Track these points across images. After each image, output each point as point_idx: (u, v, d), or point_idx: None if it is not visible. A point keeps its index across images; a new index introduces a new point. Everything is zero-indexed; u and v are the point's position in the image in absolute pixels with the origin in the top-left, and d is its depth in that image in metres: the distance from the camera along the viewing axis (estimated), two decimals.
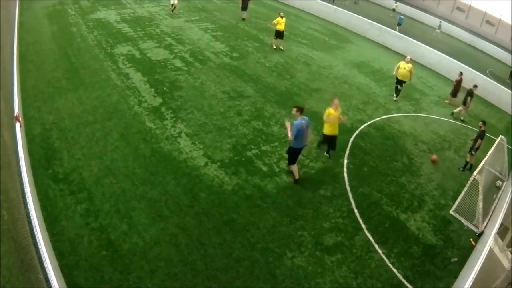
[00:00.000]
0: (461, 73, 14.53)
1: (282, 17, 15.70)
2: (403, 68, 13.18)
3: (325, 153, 9.41)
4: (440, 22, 30.79)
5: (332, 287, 6.07)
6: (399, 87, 13.59)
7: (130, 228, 6.37)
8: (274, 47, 16.32)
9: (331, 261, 6.53)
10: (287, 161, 8.90)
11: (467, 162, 10.17)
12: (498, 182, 9.50)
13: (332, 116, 8.73)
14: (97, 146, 8.26)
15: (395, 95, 13.71)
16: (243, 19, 18.71)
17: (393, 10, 34.67)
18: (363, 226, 7.44)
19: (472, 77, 17.07)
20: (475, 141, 9.86)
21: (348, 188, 8.45)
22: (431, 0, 37.88)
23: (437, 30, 30.01)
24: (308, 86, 13.31)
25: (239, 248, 6.41)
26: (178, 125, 9.58)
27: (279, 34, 15.96)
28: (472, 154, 9.93)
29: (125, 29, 15.58)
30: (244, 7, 19.16)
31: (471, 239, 7.66)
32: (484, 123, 9.86)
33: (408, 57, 13.67)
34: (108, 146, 8.30)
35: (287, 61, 15.28)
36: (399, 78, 13.39)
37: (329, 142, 9.25)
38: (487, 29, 34.30)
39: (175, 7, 18.62)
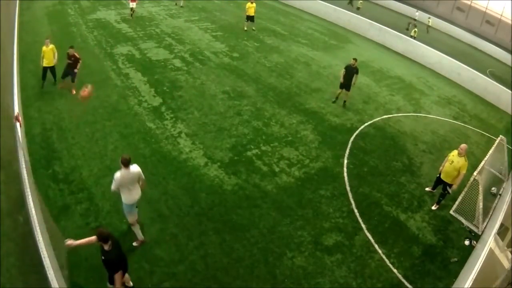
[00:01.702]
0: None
1: (252, 3, 17.41)
2: (450, 162, 7.94)
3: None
4: (417, 11, 29.24)
5: (332, 287, 6.07)
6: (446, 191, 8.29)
7: (130, 228, 6.36)
8: (245, 28, 17.99)
9: (331, 261, 6.53)
10: (287, 161, 8.92)
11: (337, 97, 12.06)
12: (493, 189, 9.45)
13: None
14: (97, 146, 8.26)
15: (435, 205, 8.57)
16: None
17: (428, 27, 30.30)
18: (363, 226, 7.44)
19: (472, 77, 17.10)
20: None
21: (348, 188, 8.45)
22: (431, 0, 37.87)
23: (415, 19, 27.92)
24: (308, 86, 13.31)
25: (239, 248, 6.41)
26: (178, 125, 9.58)
27: (250, 18, 17.80)
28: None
29: (125, 29, 15.58)
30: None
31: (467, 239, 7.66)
32: (356, 60, 11.51)
33: (463, 146, 7.91)
34: (108, 146, 8.30)
35: (287, 61, 15.28)
36: (442, 177, 8.17)
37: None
38: (487, 29, 34.28)
39: (133, 11, 17.07)
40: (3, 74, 7.62)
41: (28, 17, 15.33)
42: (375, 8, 33.91)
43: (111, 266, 4.62)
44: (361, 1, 30.44)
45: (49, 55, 9.91)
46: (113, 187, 5.58)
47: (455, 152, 7.93)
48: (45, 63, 9.95)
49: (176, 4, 19.90)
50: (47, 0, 17.82)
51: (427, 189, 8.96)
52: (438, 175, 8.29)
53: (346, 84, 11.82)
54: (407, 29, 25.00)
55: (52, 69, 10.21)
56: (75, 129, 8.72)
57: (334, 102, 12.30)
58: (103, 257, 4.64)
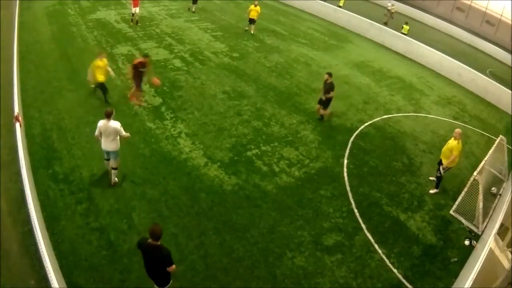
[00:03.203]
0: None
1: (255, 6, 17.04)
2: (446, 143, 8.72)
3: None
4: (390, 1, 28.09)
5: (332, 287, 6.07)
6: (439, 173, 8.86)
7: (130, 228, 6.37)
8: (246, 28, 17.84)
9: (331, 261, 6.53)
10: (287, 161, 8.92)
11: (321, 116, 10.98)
12: (494, 189, 9.45)
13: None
14: (97, 146, 8.22)
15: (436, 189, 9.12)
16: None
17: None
18: (363, 226, 7.44)
19: (472, 77, 17.09)
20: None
21: (348, 188, 8.45)
22: (431, 0, 37.86)
23: (389, 10, 27.07)
24: (308, 86, 13.31)
25: (239, 248, 6.41)
26: (178, 125, 9.58)
27: (251, 21, 17.50)
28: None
29: (125, 29, 15.57)
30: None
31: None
32: (330, 75, 10.52)
33: (457, 130, 8.53)
34: None
35: (287, 61, 15.28)
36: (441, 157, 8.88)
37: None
38: (487, 29, 34.26)
39: (135, 16, 16.28)
40: (3, 74, 7.64)
41: (28, 17, 15.32)
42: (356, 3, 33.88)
43: (167, 261, 4.51)
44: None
45: (104, 70, 9.58)
46: (96, 132, 6.73)
47: (452, 139, 8.60)
48: (101, 78, 9.55)
49: (189, 9, 19.55)
50: (47, 0, 17.81)
51: (431, 178, 9.32)
52: (440, 160, 8.85)
53: (320, 99, 10.72)
54: (385, 23, 24.75)
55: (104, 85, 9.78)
56: (75, 129, 8.72)
57: (319, 119, 11.09)
58: (153, 257, 4.52)
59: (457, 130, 8.46)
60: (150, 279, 4.81)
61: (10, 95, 7.52)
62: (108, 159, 7.10)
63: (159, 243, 4.46)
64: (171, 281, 4.85)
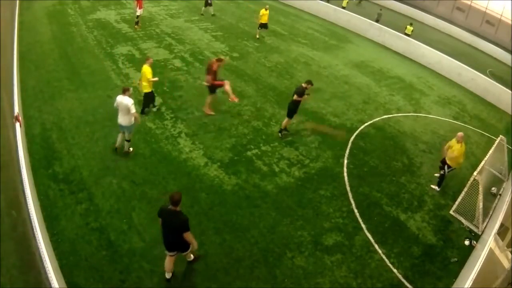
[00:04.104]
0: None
1: (266, 10, 16.86)
2: (450, 147, 8.75)
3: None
4: None
5: (332, 287, 6.07)
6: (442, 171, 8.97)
7: (130, 228, 6.37)
8: (257, 36, 17.36)
9: (331, 261, 6.53)
10: (287, 161, 8.92)
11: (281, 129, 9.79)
12: (494, 189, 9.45)
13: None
14: (97, 146, 8.26)
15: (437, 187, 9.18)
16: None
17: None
18: (363, 226, 7.44)
19: (472, 77, 17.10)
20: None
21: (348, 188, 8.45)
22: (431, 0, 37.85)
23: (381, 9, 27.38)
24: None
25: (239, 248, 6.41)
26: (178, 125, 9.58)
27: (263, 25, 17.21)
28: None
29: (125, 29, 15.57)
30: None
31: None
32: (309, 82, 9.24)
33: (459, 134, 8.69)
34: (108, 146, 8.29)
35: (287, 61, 15.28)
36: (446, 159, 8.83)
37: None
38: (487, 29, 34.26)
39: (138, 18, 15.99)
40: (3, 74, 7.63)
41: (28, 17, 15.33)
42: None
43: (184, 226, 4.95)
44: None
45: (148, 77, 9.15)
46: (114, 104, 7.55)
47: (454, 139, 8.75)
48: (146, 88, 9.21)
49: (203, 14, 19.38)
50: (47, 0, 17.81)
51: (436, 174, 9.41)
52: (442, 159, 9.03)
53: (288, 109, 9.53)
54: (377, 21, 24.87)
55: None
56: (75, 129, 8.72)
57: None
58: (172, 222, 4.96)
59: (460, 133, 8.65)
60: (167, 248, 5.28)
61: (10, 95, 7.51)
62: (123, 132, 7.90)
63: (178, 208, 4.92)
64: (190, 249, 5.36)
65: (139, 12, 15.64)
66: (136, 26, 15.88)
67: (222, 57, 10.07)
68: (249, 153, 8.99)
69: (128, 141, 8.01)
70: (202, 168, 8.17)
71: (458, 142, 8.52)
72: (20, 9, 15.56)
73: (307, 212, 7.50)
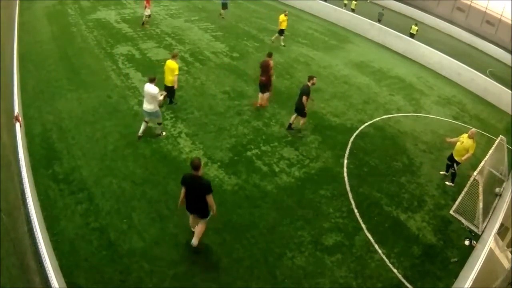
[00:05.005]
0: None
1: (285, 15, 16.36)
2: (461, 142, 9.02)
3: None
4: None
5: (332, 287, 6.07)
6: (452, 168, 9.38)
7: (130, 228, 6.37)
8: (282, 43, 17.02)
9: (331, 261, 6.53)
10: (287, 161, 8.92)
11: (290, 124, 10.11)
12: (498, 189, 9.44)
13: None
14: (97, 146, 8.26)
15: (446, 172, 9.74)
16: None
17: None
18: (363, 226, 7.44)
19: (472, 77, 17.10)
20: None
21: (348, 188, 8.45)
22: (431, 0, 37.86)
23: (383, 9, 27.75)
24: None
25: (239, 248, 6.41)
26: (178, 125, 9.58)
27: (282, 32, 16.62)
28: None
29: (125, 29, 15.57)
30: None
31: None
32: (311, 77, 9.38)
33: (473, 130, 9.09)
34: (108, 146, 8.29)
35: (287, 61, 15.28)
36: (454, 155, 9.24)
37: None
38: (487, 29, 34.29)
39: (148, 18, 16.27)
40: (3, 74, 7.62)
41: (28, 17, 15.33)
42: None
43: (207, 188, 5.34)
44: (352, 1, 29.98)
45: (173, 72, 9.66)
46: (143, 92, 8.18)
47: (465, 134, 9.00)
48: (169, 82, 9.76)
49: (220, 15, 19.22)
50: (47, 0, 17.83)
51: (441, 172, 9.73)
52: (450, 155, 9.38)
53: (296, 107, 9.82)
54: (379, 20, 24.99)
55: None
56: (75, 129, 8.72)
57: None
58: (195, 186, 5.36)
59: (473, 130, 9.04)
60: (189, 212, 5.80)
61: (10, 95, 7.51)
62: (146, 121, 8.50)
63: (199, 173, 5.33)
64: (209, 216, 5.79)
65: (147, 11, 15.92)
66: (146, 26, 16.11)
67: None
68: (249, 153, 8.99)
69: (160, 124, 8.75)
70: (202, 168, 8.15)
71: (470, 138, 8.82)
72: (20, 9, 15.57)
73: (307, 212, 7.50)
